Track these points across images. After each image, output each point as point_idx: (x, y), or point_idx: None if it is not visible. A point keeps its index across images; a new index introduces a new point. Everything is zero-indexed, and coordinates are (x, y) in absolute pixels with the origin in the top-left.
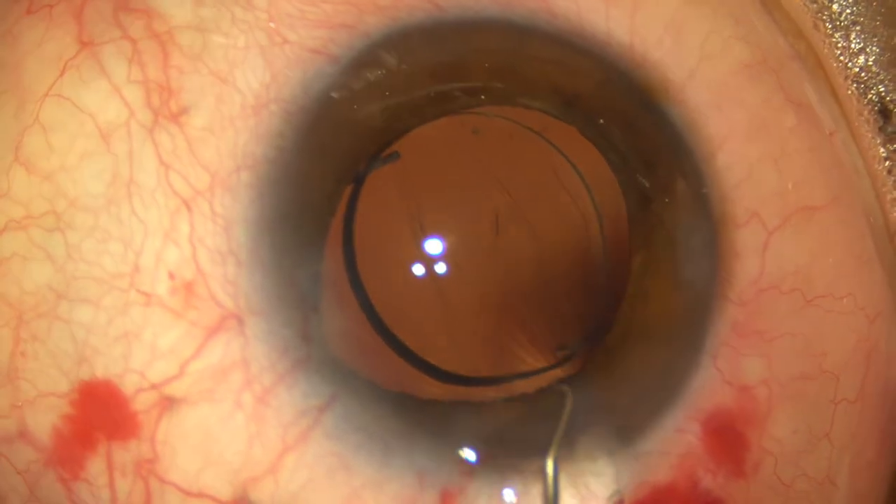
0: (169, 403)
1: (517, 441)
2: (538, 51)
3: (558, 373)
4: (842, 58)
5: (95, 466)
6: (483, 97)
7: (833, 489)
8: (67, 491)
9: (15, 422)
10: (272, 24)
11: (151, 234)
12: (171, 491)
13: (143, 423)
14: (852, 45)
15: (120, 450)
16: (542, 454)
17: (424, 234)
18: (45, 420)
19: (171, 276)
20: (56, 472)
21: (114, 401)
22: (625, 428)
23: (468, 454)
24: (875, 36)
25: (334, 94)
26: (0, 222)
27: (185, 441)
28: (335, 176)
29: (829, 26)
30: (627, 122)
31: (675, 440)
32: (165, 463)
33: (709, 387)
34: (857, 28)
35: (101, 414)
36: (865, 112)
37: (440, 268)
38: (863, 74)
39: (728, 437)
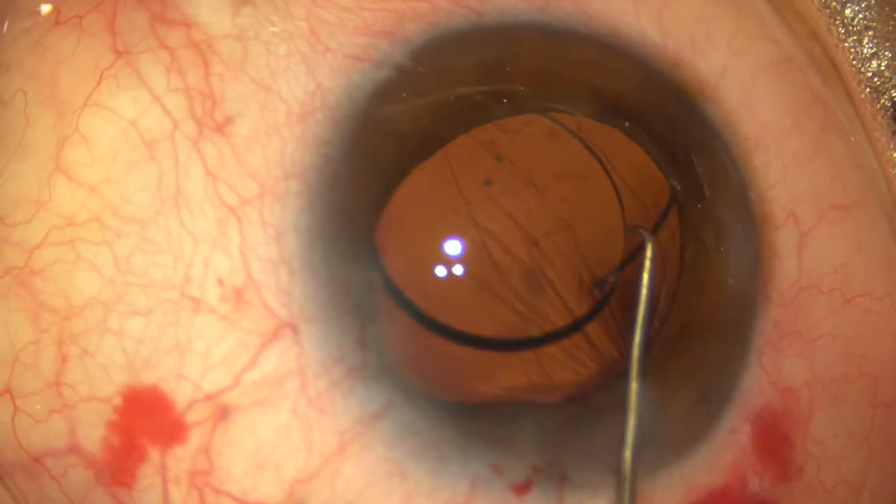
0: (223, 413)
1: (574, 449)
2: (576, 53)
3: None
4: (854, 62)
5: (149, 477)
6: (517, 102)
7: (870, 496)
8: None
9: (64, 432)
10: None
11: (201, 244)
12: (227, 501)
13: (197, 433)
14: (865, 50)
15: (173, 460)
16: (599, 466)
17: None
18: (95, 431)
19: (221, 282)
20: (107, 484)
21: (167, 411)
22: (684, 430)
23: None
24: (888, 41)
25: (378, 101)
26: (42, 230)
27: (239, 450)
28: (383, 183)
29: (842, 31)
30: (666, 123)
31: (729, 442)
32: (221, 473)
33: (756, 387)
34: (870, 33)
35: (153, 424)
36: (879, 116)
37: (474, 260)
38: (875, 79)
39: (775, 439)
